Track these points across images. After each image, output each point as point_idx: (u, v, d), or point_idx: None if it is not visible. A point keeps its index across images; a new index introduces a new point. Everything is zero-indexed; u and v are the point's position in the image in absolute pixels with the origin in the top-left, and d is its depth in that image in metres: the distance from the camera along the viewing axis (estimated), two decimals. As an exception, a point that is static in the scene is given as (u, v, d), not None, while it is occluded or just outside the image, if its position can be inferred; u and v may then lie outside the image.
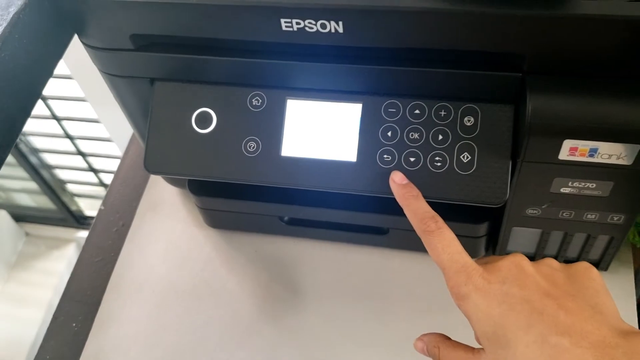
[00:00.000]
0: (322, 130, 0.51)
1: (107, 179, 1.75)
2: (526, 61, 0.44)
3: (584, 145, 0.45)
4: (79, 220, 1.87)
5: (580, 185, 0.48)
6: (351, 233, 0.62)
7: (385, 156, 0.50)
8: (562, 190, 0.49)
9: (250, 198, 0.60)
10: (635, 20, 0.40)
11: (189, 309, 0.62)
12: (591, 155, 0.45)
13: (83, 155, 1.68)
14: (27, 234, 1.90)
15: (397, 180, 0.48)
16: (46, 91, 1.51)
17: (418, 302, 0.60)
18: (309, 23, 0.44)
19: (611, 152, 0.45)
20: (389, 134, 0.50)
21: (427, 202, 0.51)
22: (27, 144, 1.64)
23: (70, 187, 1.82)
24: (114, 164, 1.73)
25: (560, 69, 0.44)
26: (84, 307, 0.63)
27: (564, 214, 0.51)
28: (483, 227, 0.56)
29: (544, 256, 0.57)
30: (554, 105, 0.44)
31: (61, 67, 1.33)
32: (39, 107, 1.55)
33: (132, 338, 0.61)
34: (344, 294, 0.62)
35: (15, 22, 0.46)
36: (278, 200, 0.59)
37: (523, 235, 0.56)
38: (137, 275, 0.65)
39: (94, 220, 0.70)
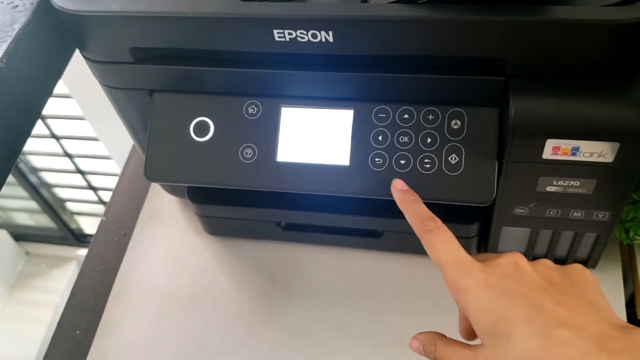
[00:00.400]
0: (315, 136, 0.53)
1: (107, 196, 1.77)
2: (508, 65, 0.46)
3: (566, 144, 0.47)
4: (78, 238, 1.88)
5: (564, 184, 0.50)
6: (346, 237, 0.64)
7: (376, 159, 0.52)
8: (548, 189, 0.51)
9: (247, 204, 0.62)
10: (609, 24, 0.42)
11: (189, 315, 0.64)
12: (573, 154, 0.47)
13: (82, 173, 1.70)
14: (27, 253, 1.91)
15: (398, 187, 0.50)
16: (45, 110, 1.53)
17: (413, 303, 0.62)
18: (301, 33, 0.47)
19: (592, 150, 0.47)
20: (380, 138, 0.52)
21: (419, 202, 0.53)
22: (27, 163, 1.66)
23: (70, 206, 1.84)
24: (113, 182, 1.75)
25: (541, 72, 0.46)
26: (87, 315, 0.65)
27: (551, 213, 0.53)
28: (474, 228, 0.58)
29: (534, 255, 0.59)
30: (535, 107, 0.46)
31: (60, 86, 1.35)
32: (38, 126, 1.57)
33: (135, 345, 0.63)
34: (341, 296, 0.63)
35: (20, 38, 0.48)
36: (275, 205, 0.61)
37: (513, 235, 0.57)
38: (138, 283, 0.66)
39: (95, 231, 0.72)
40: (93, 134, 1.51)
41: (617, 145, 0.46)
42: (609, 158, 0.47)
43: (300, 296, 0.64)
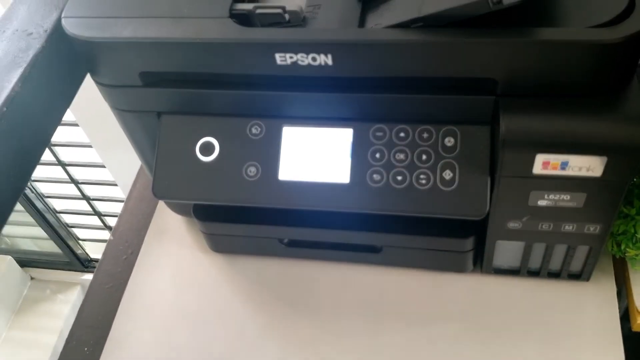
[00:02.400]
0: (316, 154, 0.55)
1: (112, 222, 1.79)
2: (498, 85, 0.49)
3: (555, 159, 0.49)
4: (84, 263, 1.90)
5: (555, 198, 0.52)
6: (347, 252, 0.66)
7: (374, 176, 0.54)
8: (539, 202, 0.53)
9: (251, 222, 0.64)
10: (595, 44, 0.44)
11: (195, 331, 0.65)
12: (563, 169, 0.49)
13: (88, 199, 1.72)
14: (32, 278, 1.92)
15: None
16: (52, 137, 1.56)
17: (413, 316, 0.63)
18: (301, 57, 0.49)
19: (581, 165, 0.49)
20: (378, 155, 0.54)
21: (415, 217, 0.55)
22: (33, 190, 1.69)
23: (76, 231, 1.86)
24: (118, 207, 1.77)
25: (531, 91, 0.48)
26: (95, 331, 0.66)
27: (543, 226, 0.55)
28: (469, 242, 0.60)
29: (529, 268, 0.61)
30: (525, 123, 0.48)
31: (67, 114, 1.38)
32: (45, 153, 1.59)
33: (142, 361, 0.64)
34: (342, 311, 0.65)
35: (34, 63, 0.51)
36: (277, 222, 0.63)
37: (507, 249, 0.59)
38: (145, 300, 0.68)
39: (104, 249, 0.74)
40: (99, 161, 1.54)
41: (605, 159, 0.48)
42: (597, 172, 0.49)
43: (303, 311, 0.65)
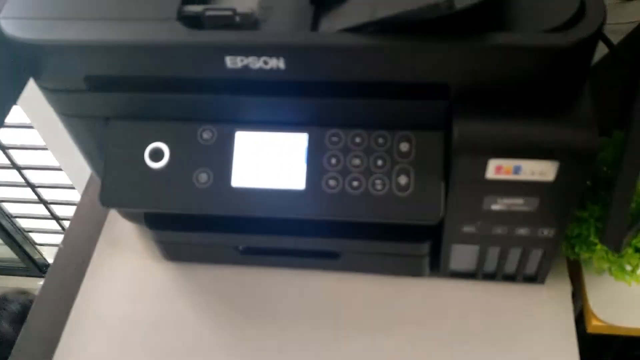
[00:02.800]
0: (270, 160, 0.54)
1: (70, 226, 1.75)
2: (451, 90, 0.48)
3: (508, 163, 0.49)
4: (42, 269, 1.85)
5: (509, 202, 0.52)
6: (305, 259, 0.65)
7: (330, 182, 0.53)
8: (493, 207, 0.52)
9: (205, 229, 0.62)
10: (545, 49, 0.44)
11: (150, 342, 0.63)
12: (516, 173, 0.49)
13: (45, 203, 1.68)
14: (-12, 286, 1.86)
15: None
16: (6, 140, 1.52)
17: (371, 321, 0.63)
18: (253, 60, 0.48)
19: (534, 169, 0.49)
20: (333, 161, 0.53)
21: (372, 223, 0.55)
22: (-13, 194, 1.64)
23: (33, 236, 1.81)
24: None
25: (483, 95, 0.48)
26: (43, 345, 0.64)
27: (498, 230, 0.55)
28: (425, 246, 0.59)
29: (485, 272, 0.61)
30: (477, 128, 0.48)
31: (21, 116, 1.34)
32: (-1, 157, 1.55)
33: (92, 374, 0.62)
34: (301, 318, 0.64)
35: (-27, 68, 0.48)
36: (232, 230, 0.62)
37: (463, 253, 0.59)
38: (96, 311, 0.66)
39: (53, 259, 0.71)
40: (55, 164, 1.50)
41: (557, 164, 0.48)
42: (550, 177, 0.49)
43: (260, 320, 0.64)
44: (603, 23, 0.45)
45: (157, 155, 0.55)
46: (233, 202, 0.54)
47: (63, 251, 0.72)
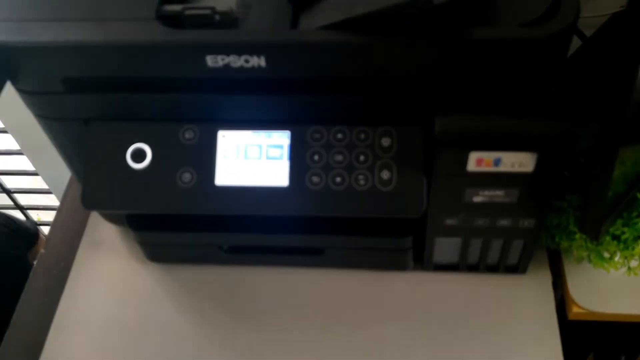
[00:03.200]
0: (253, 158, 0.54)
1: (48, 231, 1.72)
2: (431, 85, 0.49)
3: (489, 156, 0.50)
4: (19, 275, 1.82)
5: (490, 194, 0.53)
6: (289, 256, 0.65)
7: (313, 178, 0.53)
8: (475, 199, 0.53)
9: (189, 229, 0.62)
10: (522, 41, 0.45)
11: (135, 344, 0.63)
12: (496, 165, 0.50)
13: (21, 208, 1.65)
14: (-36, 294, 1.82)
15: None
16: (-20, 146, 1.49)
17: (357, 316, 0.63)
18: (233, 59, 0.48)
19: (513, 161, 0.50)
20: (316, 157, 0.53)
21: (355, 218, 0.55)
22: (-38, 201, 1.60)
23: (9, 242, 1.78)
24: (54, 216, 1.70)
25: (462, 90, 0.49)
26: (27, 350, 0.63)
27: (480, 222, 0.56)
28: (408, 240, 0.60)
29: (468, 263, 0.62)
30: (458, 122, 0.48)
31: (-6, 121, 1.32)
32: (-27, 163, 1.52)
33: (78, 378, 0.62)
34: (287, 316, 0.64)
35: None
36: (216, 229, 0.62)
37: (446, 245, 0.60)
38: (80, 315, 0.65)
39: (35, 264, 0.70)
40: (31, 168, 1.48)
41: (535, 155, 0.49)
42: (529, 168, 0.50)
43: (246, 318, 0.64)
44: (577, 16, 0.46)
45: (139, 156, 0.54)
46: (217, 200, 0.54)
47: (45, 255, 0.71)
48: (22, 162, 1.48)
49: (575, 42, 0.60)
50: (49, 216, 1.69)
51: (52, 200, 1.59)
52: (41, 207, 1.67)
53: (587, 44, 0.62)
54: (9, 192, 1.61)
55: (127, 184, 0.54)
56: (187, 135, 0.54)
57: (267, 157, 0.54)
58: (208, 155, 0.54)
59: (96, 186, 0.55)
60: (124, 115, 0.54)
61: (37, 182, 1.55)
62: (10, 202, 1.63)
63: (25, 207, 1.65)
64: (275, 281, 0.66)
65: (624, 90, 0.51)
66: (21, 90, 0.53)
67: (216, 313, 0.65)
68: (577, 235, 0.57)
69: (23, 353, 0.64)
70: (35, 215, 1.68)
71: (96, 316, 0.65)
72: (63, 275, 0.68)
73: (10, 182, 1.59)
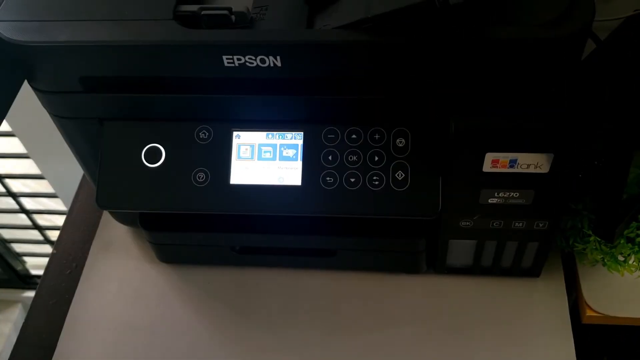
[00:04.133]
0: (268, 158, 0.54)
1: (53, 235, 1.72)
2: (447, 85, 0.49)
3: (504, 157, 0.50)
4: (24, 280, 1.82)
5: (505, 195, 0.53)
6: (301, 258, 0.65)
7: (327, 179, 0.53)
8: (490, 200, 0.53)
9: (201, 229, 0.62)
10: (539, 42, 0.45)
11: (145, 344, 0.63)
12: (512, 166, 0.50)
13: (27, 212, 1.66)
14: (-31, 298, 1.82)
15: None
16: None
17: (368, 319, 0.63)
18: (249, 59, 0.48)
19: (529, 162, 0.50)
20: (330, 158, 0.53)
21: (368, 219, 0.55)
22: (-32, 204, 1.61)
23: (15, 247, 1.78)
24: (59, 220, 1.71)
25: (478, 90, 0.49)
26: (39, 350, 0.63)
27: (494, 224, 0.56)
28: (422, 242, 0.60)
29: (482, 266, 0.62)
30: (474, 123, 0.48)
31: (2, 124, 1.32)
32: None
33: (89, 379, 0.61)
34: (297, 318, 0.64)
35: (-35, 71, 0.48)
36: (229, 229, 0.62)
37: (460, 247, 0.60)
38: (92, 315, 0.65)
39: (46, 264, 0.70)
40: (37, 172, 1.48)
41: (551, 156, 0.49)
42: (545, 169, 0.50)
43: (257, 321, 0.64)
44: (593, 18, 0.46)
45: (154, 155, 0.54)
46: (232, 200, 0.54)
47: (56, 256, 0.71)
48: (29, 166, 1.49)
49: (589, 46, 0.60)
50: (55, 220, 1.69)
51: (58, 203, 1.59)
52: (46, 211, 1.67)
53: (601, 47, 0.62)
54: (14, 196, 1.61)
55: (141, 183, 0.54)
56: (202, 135, 0.54)
57: (281, 158, 0.54)
58: (222, 155, 0.54)
59: (111, 185, 0.55)
60: (139, 115, 0.54)
61: (43, 186, 1.55)
62: (15, 206, 1.63)
63: (30, 211, 1.65)
64: (287, 283, 0.66)
65: (637, 93, 0.51)
66: (38, 90, 0.53)
67: (227, 314, 0.65)
68: (592, 238, 0.57)
69: (35, 353, 0.63)
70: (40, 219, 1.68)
71: (108, 317, 0.65)
72: (75, 276, 0.68)
73: (15, 185, 1.59)
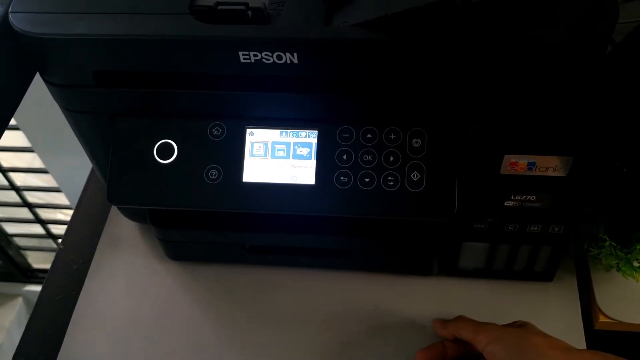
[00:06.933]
0: (281, 156, 0.54)
1: (56, 230, 1.72)
2: (465, 85, 0.48)
3: (523, 159, 0.49)
4: (25, 274, 1.81)
5: (521, 198, 0.52)
6: (312, 258, 0.64)
7: (342, 178, 0.53)
8: (506, 203, 0.53)
9: (211, 227, 0.61)
10: (560, 43, 0.44)
11: (152, 341, 0.62)
12: (530, 169, 0.50)
13: (30, 206, 1.65)
14: (-30, 291, 1.82)
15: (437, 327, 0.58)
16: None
17: (381, 321, 0.62)
18: (266, 55, 0.47)
19: (547, 165, 0.49)
20: (344, 157, 0.53)
21: (382, 220, 0.54)
22: (-29, 197, 1.60)
23: (17, 240, 1.77)
24: (62, 215, 1.70)
25: (497, 91, 0.48)
26: (45, 346, 0.63)
27: (509, 227, 0.55)
28: (435, 245, 0.59)
29: (494, 269, 0.61)
30: (492, 125, 0.48)
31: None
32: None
33: (95, 375, 0.61)
34: (307, 319, 0.63)
35: (-22, 62, 0.47)
36: (239, 227, 0.61)
37: (473, 250, 0.59)
38: (99, 311, 0.65)
39: (53, 259, 0.70)
40: (41, 166, 1.48)
41: (570, 159, 0.49)
42: (563, 172, 0.50)
43: (266, 320, 0.63)
44: (617, 20, 0.45)
45: (166, 151, 0.54)
46: (244, 198, 0.53)
47: (63, 251, 0.70)
48: (33, 160, 1.48)
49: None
50: (58, 215, 1.69)
51: (62, 198, 1.58)
52: (50, 206, 1.66)
53: (617, 50, 0.61)
54: (17, 190, 1.61)
55: (153, 179, 0.54)
56: (215, 131, 0.54)
57: (295, 156, 0.54)
58: (235, 153, 0.54)
59: (122, 181, 0.54)
60: (152, 110, 0.53)
61: (47, 180, 1.55)
62: (18, 200, 1.63)
63: (33, 205, 1.65)
64: (297, 283, 0.65)
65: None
66: (50, 83, 0.52)
67: (235, 313, 0.64)
68: (607, 243, 0.57)
69: (41, 349, 0.63)
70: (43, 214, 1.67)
71: (114, 313, 0.65)
72: (82, 271, 0.68)
73: (19, 179, 1.59)
